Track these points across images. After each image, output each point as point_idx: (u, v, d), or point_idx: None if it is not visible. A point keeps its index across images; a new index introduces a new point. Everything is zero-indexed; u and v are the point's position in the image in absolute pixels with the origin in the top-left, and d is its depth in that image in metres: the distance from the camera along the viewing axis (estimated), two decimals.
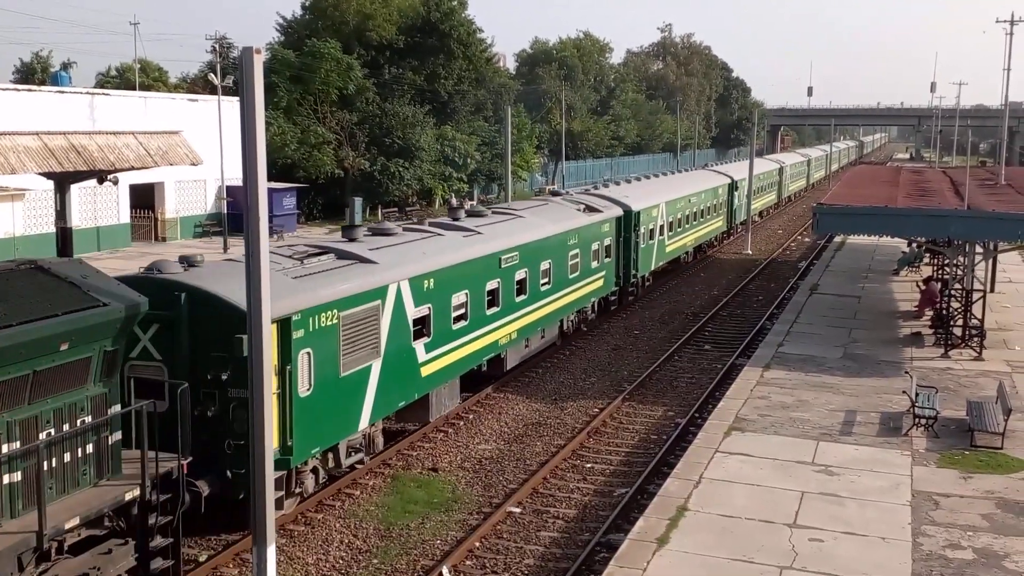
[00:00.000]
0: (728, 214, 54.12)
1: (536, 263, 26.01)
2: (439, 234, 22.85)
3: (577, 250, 29.12)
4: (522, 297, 25.14)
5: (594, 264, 30.96)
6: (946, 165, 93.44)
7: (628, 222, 34.18)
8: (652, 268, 38.40)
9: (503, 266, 23.90)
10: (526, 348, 26.22)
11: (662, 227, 38.88)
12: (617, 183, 46.11)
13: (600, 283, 31.92)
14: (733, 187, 54.38)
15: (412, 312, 19.75)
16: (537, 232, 26.44)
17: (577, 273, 29.30)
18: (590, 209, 31.56)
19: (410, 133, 65.83)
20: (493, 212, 27.56)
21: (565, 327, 29.49)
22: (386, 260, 19.32)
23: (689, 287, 41.84)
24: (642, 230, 35.71)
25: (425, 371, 20.51)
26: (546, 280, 26.85)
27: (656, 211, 37.91)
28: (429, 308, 20.46)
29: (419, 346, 20.19)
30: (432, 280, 20.52)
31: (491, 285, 23.39)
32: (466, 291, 22.10)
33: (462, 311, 22.05)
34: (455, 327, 21.66)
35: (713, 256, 51.95)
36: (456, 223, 24.50)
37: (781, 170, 77.35)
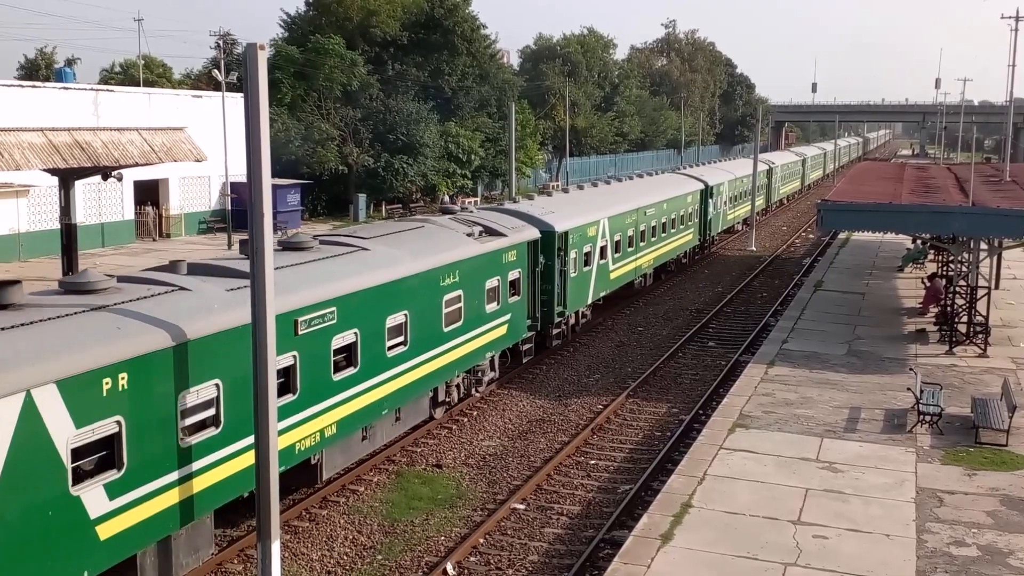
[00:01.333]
0: (701, 225, 46.61)
1: (378, 318, 18.17)
2: (187, 289, 14.47)
3: (459, 291, 21.39)
4: (348, 372, 17.20)
5: (491, 307, 23.19)
6: (950, 161, 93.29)
7: (549, 246, 26.84)
8: (589, 301, 30.75)
9: (304, 331, 15.83)
10: (364, 441, 18.52)
11: (604, 248, 31.49)
12: (550, 194, 39.50)
13: (502, 331, 24.06)
14: (707, 193, 46.90)
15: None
16: (380, 274, 18.27)
17: (458, 323, 21.40)
18: (489, 232, 23.76)
19: (414, 129, 65.81)
20: (327, 243, 19.54)
21: (444, 396, 21.79)
22: None
23: (693, 284, 41.80)
24: (572, 255, 28.31)
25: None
26: (398, 340, 18.88)
27: (595, 229, 30.56)
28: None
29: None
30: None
31: (280, 362, 14.75)
32: (216, 382, 13.98)
33: (208, 412, 13.95)
34: (185, 443, 13.51)
35: (717, 253, 51.89)
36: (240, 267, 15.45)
37: (769, 172, 69.00)
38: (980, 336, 27.39)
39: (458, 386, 22.46)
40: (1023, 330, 30.30)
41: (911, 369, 24.44)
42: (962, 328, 27.87)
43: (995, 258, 33.20)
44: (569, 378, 26.52)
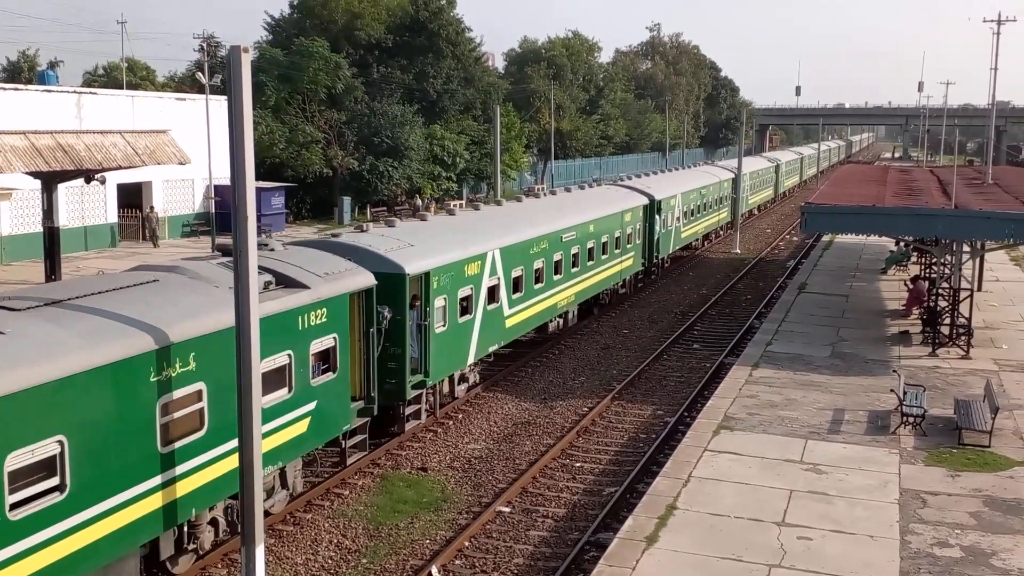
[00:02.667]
0: (646, 247, 39.36)
1: None
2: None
3: (199, 385, 13.90)
4: None
5: (275, 397, 15.65)
6: (933, 164, 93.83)
7: (395, 293, 19.75)
8: (471, 360, 23.55)
9: None
10: None
11: (495, 288, 24.36)
12: (424, 217, 26.56)
13: (299, 429, 16.52)
14: (654, 208, 39.36)
15: None
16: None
17: (197, 436, 13.99)
18: (283, 283, 16.38)
19: (399, 132, 65.74)
20: None
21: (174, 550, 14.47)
22: None
23: (678, 286, 41.89)
24: (437, 303, 21.33)
25: None
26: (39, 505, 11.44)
27: (478, 265, 23.26)
28: None
29: None
30: None
31: None
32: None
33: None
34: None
35: (702, 255, 52.00)
36: None
37: (735, 180, 59.07)
38: (963, 338, 27.55)
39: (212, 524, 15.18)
40: (1005, 332, 30.48)
41: (894, 371, 24.56)
42: (945, 330, 28.01)
43: (977, 260, 33.39)
44: (554, 380, 26.53)
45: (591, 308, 33.86)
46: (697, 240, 50.94)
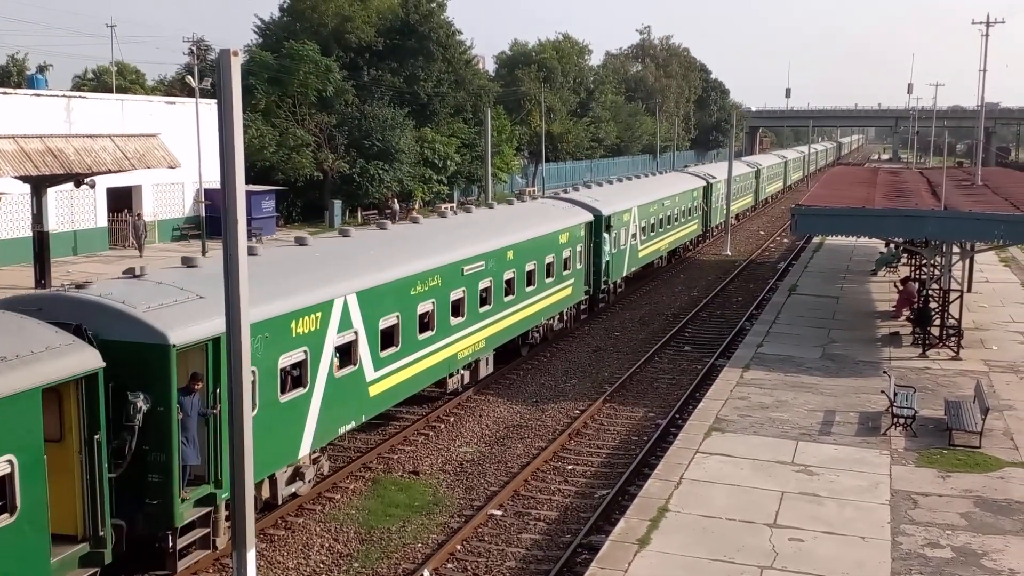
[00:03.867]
0: (590, 273, 33.15)
1: None
2: None
3: None
4: None
5: None
6: (923, 166, 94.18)
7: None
8: (307, 451, 17.29)
9: None
10: None
11: (349, 347, 18.46)
12: (186, 261, 17.38)
13: None
14: (601, 226, 33.46)
15: None
16: None
17: None
18: None
19: (389, 135, 65.74)
20: None
21: None
22: None
23: (669, 289, 41.93)
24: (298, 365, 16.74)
25: None
26: None
27: (284, 331, 16.32)
28: None
29: None
30: None
31: None
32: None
33: None
34: None
35: (692, 258, 52.08)
36: None
37: (707, 189, 54.17)
38: (953, 339, 27.62)
39: None
40: (995, 333, 30.58)
41: (885, 372, 24.60)
42: (935, 331, 28.09)
43: (967, 261, 33.49)
44: (546, 383, 26.52)
45: (518, 349, 28.28)
46: (660, 259, 44.51)
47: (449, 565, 15.80)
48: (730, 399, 23.07)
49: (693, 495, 17.15)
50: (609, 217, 34.37)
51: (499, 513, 17.79)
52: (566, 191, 38.96)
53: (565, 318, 31.57)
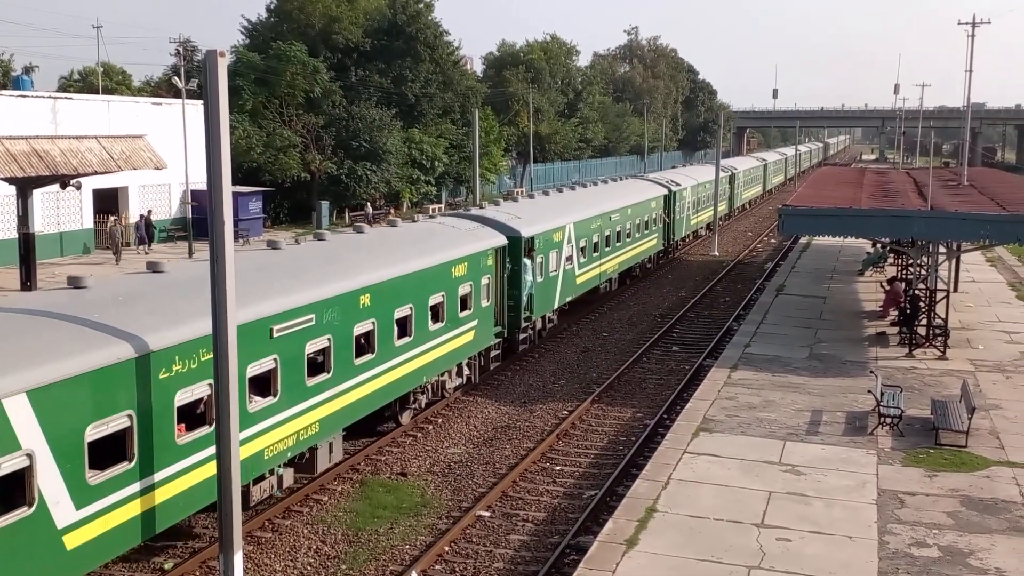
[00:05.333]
0: (503, 311, 26.52)
1: None
2: None
3: None
4: None
5: None
6: (910, 166, 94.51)
7: None
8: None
9: None
10: None
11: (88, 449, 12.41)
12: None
13: None
14: (520, 250, 26.97)
15: None
16: None
17: None
18: None
19: (377, 136, 65.67)
20: None
21: None
22: None
23: (657, 289, 41.98)
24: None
25: None
26: None
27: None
28: None
29: None
30: None
31: None
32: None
33: None
34: None
35: (680, 258, 52.16)
36: None
37: (669, 198, 47.35)
38: (939, 339, 27.73)
39: None
40: (981, 332, 30.71)
41: (872, 372, 24.68)
42: (922, 331, 28.19)
43: (953, 261, 33.63)
44: (534, 384, 26.52)
45: (397, 416, 21.97)
46: (608, 282, 37.67)
47: (437, 567, 15.78)
48: (718, 399, 23.11)
49: (681, 495, 17.16)
50: (531, 239, 27.82)
51: (487, 514, 17.78)
52: (481, 206, 32.74)
53: (467, 371, 24.76)
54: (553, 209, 32.48)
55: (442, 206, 70.32)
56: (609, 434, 22.53)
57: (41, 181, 30.03)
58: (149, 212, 51.03)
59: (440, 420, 23.16)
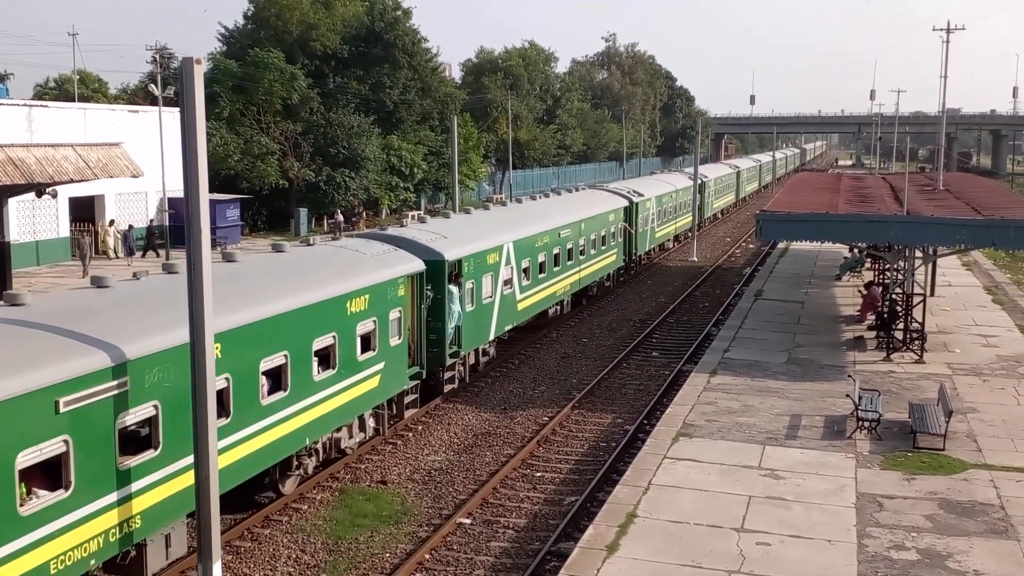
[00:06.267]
0: (420, 351, 22.86)
1: None
2: None
3: None
4: None
5: None
6: (886, 171, 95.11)
7: None
8: None
9: None
10: None
11: None
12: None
13: None
14: (442, 275, 23.60)
15: None
16: None
17: None
18: None
19: (355, 143, 65.57)
20: None
21: None
22: None
23: (636, 295, 42.05)
24: None
25: None
26: None
27: None
28: None
29: None
30: None
31: None
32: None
33: None
34: None
35: (660, 263, 52.28)
36: None
37: (631, 210, 44.00)
38: (916, 343, 27.90)
39: None
40: (958, 336, 30.92)
41: (850, 376, 24.80)
42: (899, 335, 28.36)
43: (930, 266, 33.86)
44: (514, 391, 26.50)
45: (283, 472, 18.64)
46: (558, 305, 34.19)
47: (418, 575, 15.73)
48: (697, 404, 23.16)
49: (661, 500, 17.18)
50: (458, 262, 24.62)
51: (468, 521, 17.74)
52: (401, 224, 28.81)
53: (372, 422, 20.94)
54: (490, 226, 28.88)
55: (421, 212, 70.25)
56: (590, 440, 22.54)
57: (16, 189, 29.78)
58: (128, 227, 50.71)
59: (420, 427, 23.10)
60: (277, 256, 19.92)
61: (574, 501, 18.48)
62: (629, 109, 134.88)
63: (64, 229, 49.79)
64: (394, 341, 21.07)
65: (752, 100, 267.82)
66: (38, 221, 47.81)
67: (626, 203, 43.61)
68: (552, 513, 18.16)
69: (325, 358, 18.41)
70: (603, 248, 39.27)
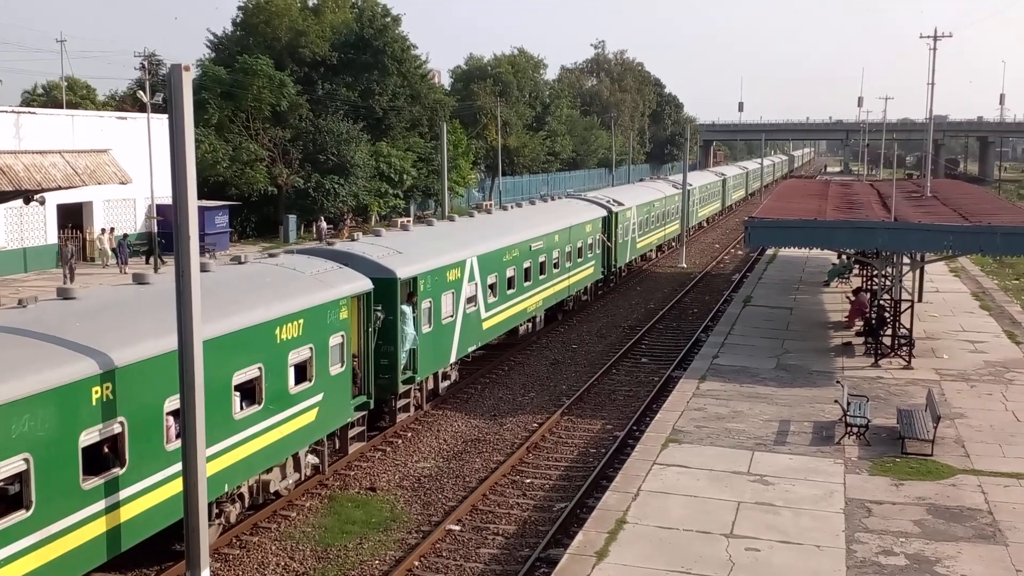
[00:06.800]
0: (366, 373, 20.88)
1: None
2: None
3: None
4: None
5: None
6: (873, 178, 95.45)
7: None
8: None
9: None
10: None
11: None
12: None
13: None
14: (394, 294, 21.96)
15: None
16: None
17: None
18: None
19: (345, 149, 65.54)
20: None
21: None
22: None
23: (626, 301, 42.10)
24: None
25: None
26: None
27: None
28: None
29: None
30: None
31: None
32: None
33: None
34: None
35: (650, 270, 52.34)
36: None
37: (609, 220, 42.10)
38: (904, 348, 27.98)
39: None
40: (946, 342, 31.03)
41: (838, 382, 24.86)
42: (887, 341, 28.44)
43: (917, 272, 33.99)
44: (504, 397, 26.49)
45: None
46: (529, 323, 32.20)
47: None
48: (687, 410, 23.19)
49: (651, 507, 17.19)
50: (413, 280, 22.87)
51: (457, 528, 17.72)
52: (353, 238, 25.66)
53: (310, 459, 19.13)
54: (452, 240, 26.94)
55: (410, 219, 70.21)
56: (579, 446, 22.54)
57: (4, 196, 29.67)
58: (123, 235, 50.41)
59: (409, 434, 23.07)
60: (204, 276, 16.15)
61: (564, 507, 18.47)
62: (618, 116, 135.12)
63: (52, 236, 49.63)
64: (335, 370, 18.98)
65: (741, 107, 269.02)
66: (26, 228, 47.66)
67: (605, 213, 41.75)
68: (542, 519, 18.15)
69: (250, 392, 16.44)
70: (579, 261, 37.52)
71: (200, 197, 13.44)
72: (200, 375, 12.70)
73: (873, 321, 29.11)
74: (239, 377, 16.00)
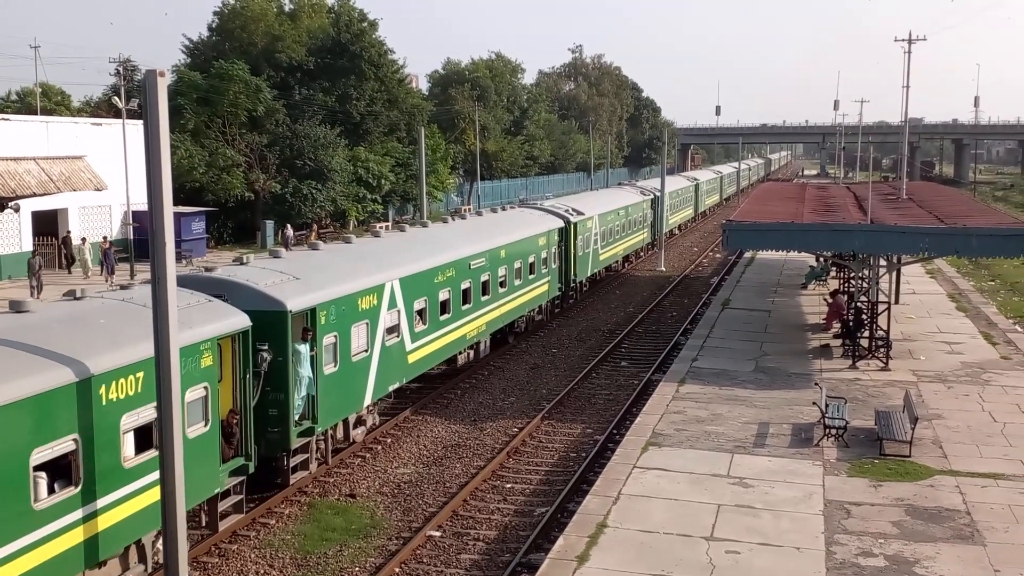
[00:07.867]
0: (247, 430, 17.25)
1: None
2: None
3: None
4: None
5: None
6: (850, 181, 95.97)
7: None
8: None
9: None
10: None
11: None
12: None
13: None
14: (283, 330, 18.03)
15: None
16: None
17: None
18: None
19: (322, 154, 65.33)
20: None
21: None
22: None
23: (605, 304, 42.15)
24: None
25: None
26: None
27: None
28: None
29: None
30: None
31: None
32: None
33: None
34: None
35: (628, 273, 52.43)
36: None
37: (567, 231, 38.67)
38: (881, 350, 28.13)
39: None
40: (923, 343, 31.22)
41: (816, 384, 24.97)
42: (864, 343, 28.58)
43: (894, 274, 34.18)
44: (484, 402, 26.45)
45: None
46: (469, 350, 28.62)
47: None
48: (666, 413, 23.22)
49: (631, 510, 17.19)
50: (310, 312, 19.09)
51: (438, 534, 17.67)
52: (242, 260, 20.53)
53: (137, 562, 14.65)
54: (369, 261, 23.13)
55: (389, 224, 70.02)
56: (559, 450, 22.53)
57: None
58: (109, 244, 49.89)
59: (389, 440, 22.99)
60: (15, 317, 13.95)
61: (544, 512, 18.45)
62: (596, 120, 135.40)
63: (27, 243, 49.20)
64: (194, 431, 15.10)
65: (718, 111, 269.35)
66: (0, 235, 47.22)
67: (561, 223, 38.10)
68: (522, 524, 18.12)
69: (64, 470, 12.84)
70: (532, 277, 33.88)
71: (176, 203, 13.20)
72: (178, 385, 12.60)
73: (850, 323, 29.24)
74: (39, 455, 12.20)
